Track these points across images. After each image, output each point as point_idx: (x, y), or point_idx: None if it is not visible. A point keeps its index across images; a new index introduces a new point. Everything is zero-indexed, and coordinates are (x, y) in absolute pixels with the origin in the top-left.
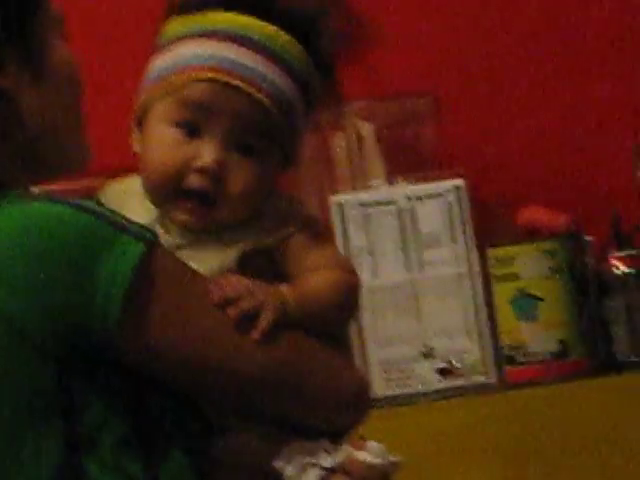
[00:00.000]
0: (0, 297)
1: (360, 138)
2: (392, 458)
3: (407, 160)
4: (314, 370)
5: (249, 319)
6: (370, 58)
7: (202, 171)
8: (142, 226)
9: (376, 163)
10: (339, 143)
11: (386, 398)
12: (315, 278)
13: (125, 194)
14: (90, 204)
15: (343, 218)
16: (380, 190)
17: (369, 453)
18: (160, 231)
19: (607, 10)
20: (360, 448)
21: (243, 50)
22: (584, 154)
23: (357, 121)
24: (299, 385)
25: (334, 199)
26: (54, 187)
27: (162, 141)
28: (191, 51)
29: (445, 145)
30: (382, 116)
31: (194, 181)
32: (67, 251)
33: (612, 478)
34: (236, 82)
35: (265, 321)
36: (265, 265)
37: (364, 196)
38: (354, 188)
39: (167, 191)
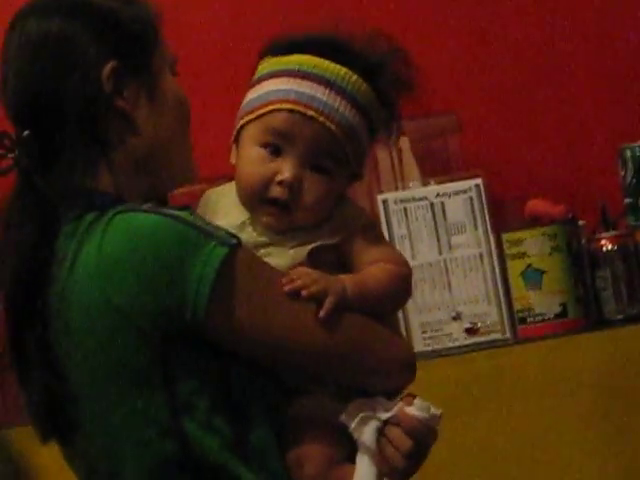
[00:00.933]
0: (110, 292)
1: (399, 149)
2: (435, 412)
3: (436, 166)
4: (370, 343)
5: (316, 303)
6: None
7: (282, 184)
8: (228, 232)
9: (412, 168)
10: (383, 154)
11: (423, 353)
12: (372, 270)
13: (223, 198)
14: (184, 214)
15: (387, 212)
16: (416, 189)
17: (416, 408)
18: (249, 229)
19: (591, 24)
20: (409, 404)
21: (318, 87)
22: (577, 155)
23: (396, 136)
24: (358, 356)
25: (380, 197)
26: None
27: (251, 158)
28: (276, 87)
29: (466, 153)
30: (416, 131)
31: (276, 192)
32: (165, 256)
33: (607, 412)
34: (310, 113)
35: (329, 304)
36: (333, 260)
37: (403, 194)
38: (395, 188)
39: (255, 198)
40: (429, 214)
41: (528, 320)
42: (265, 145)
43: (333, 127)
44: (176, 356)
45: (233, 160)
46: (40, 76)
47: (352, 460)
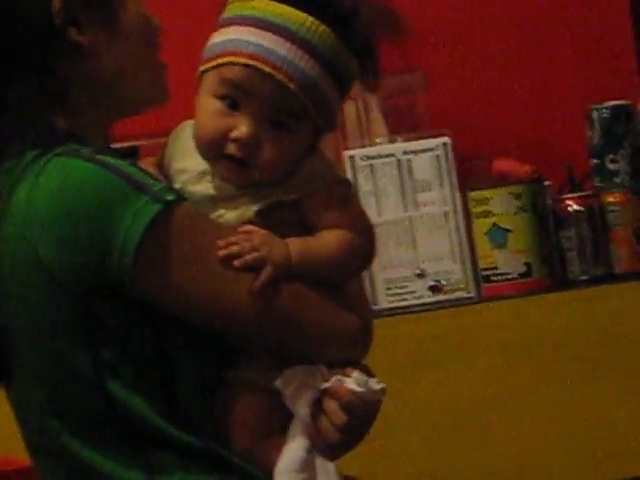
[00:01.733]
0: (37, 243)
1: (367, 106)
2: (375, 386)
3: (404, 123)
4: (308, 316)
5: (252, 271)
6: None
7: (237, 141)
8: (168, 187)
9: (379, 125)
10: (350, 110)
11: (388, 309)
12: (326, 236)
13: (191, 138)
14: (122, 164)
15: (353, 168)
16: (383, 146)
17: (353, 382)
18: (208, 179)
19: None
20: (348, 376)
21: (279, 39)
22: (545, 116)
23: (363, 92)
24: (293, 328)
25: (347, 153)
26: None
27: (208, 110)
28: (237, 35)
29: (434, 111)
30: (384, 88)
31: (232, 149)
32: (91, 207)
33: (568, 370)
34: (268, 69)
35: (265, 274)
36: (294, 219)
37: (370, 151)
38: (362, 145)
39: (210, 153)
40: (396, 171)
41: (492, 279)
42: (222, 97)
43: (292, 85)
44: (103, 315)
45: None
46: None
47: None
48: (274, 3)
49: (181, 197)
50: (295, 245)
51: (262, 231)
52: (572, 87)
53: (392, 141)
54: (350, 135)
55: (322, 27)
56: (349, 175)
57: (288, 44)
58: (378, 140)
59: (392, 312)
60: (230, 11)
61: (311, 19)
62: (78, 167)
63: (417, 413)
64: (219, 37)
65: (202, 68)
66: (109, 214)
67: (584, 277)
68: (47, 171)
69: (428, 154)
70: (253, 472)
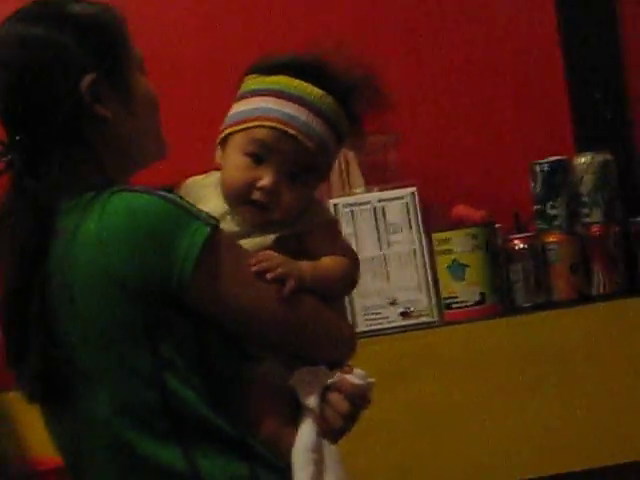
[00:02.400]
0: (107, 261)
1: (346, 162)
2: (370, 380)
3: (378, 176)
4: (321, 321)
5: (279, 283)
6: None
7: (262, 189)
8: (209, 215)
9: (357, 178)
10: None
11: (365, 332)
12: (327, 260)
13: (205, 187)
14: (173, 196)
15: (336, 214)
16: (360, 195)
17: (355, 376)
18: (228, 219)
19: (510, 58)
20: (348, 373)
21: (298, 107)
22: (495, 170)
23: (344, 150)
24: (311, 330)
25: (331, 201)
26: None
27: (237, 164)
28: (262, 104)
29: (403, 166)
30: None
31: (257, 195)
32: (156, 230)
33: (516, 383)
34: (291, 131)
35: (290, 285)
36: (296, 248)
37: (350, 199)
38: (344, 194)
39: (238, 199)
40: (371, 216)
41: (453, 306)
42: (249, 154)
43: (310, 144)
44: (162, 319)
45: (218, 159)
46: (26, 85)
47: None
48: (289, 78)
49: (218, 222)
50: (306, 266)
51: (280, 255)
52: (517, 146)
53: (368, 191)
54: (334, 186)
55: (329, 98)
56: None
57: (306, 112)
58: (357, 190)
59: (369, 334)
60: (252, 85)
61: (321, 92)
62: (139, 198)
63: (390, 417)
64: (245, 106)
65: (230, 130)
66: (170, 235)
67: (528, 304)
68: (111, 203)
69: (399, 202)
70: (273, 461)
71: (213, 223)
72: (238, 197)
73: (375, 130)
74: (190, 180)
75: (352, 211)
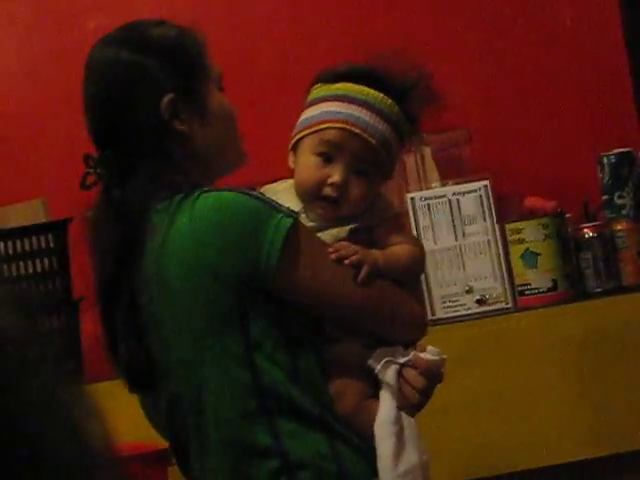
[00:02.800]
0: (201, 252)
1: (422, 157)
2: (443, 356)
3: (452, 170)
4: (394, 302)
5: (355, 269)
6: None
7: (333, 185)
8: (289, 209)
9: (433, 173)
10: (410, 161)
11: (443, 319)
12: (397, 249)
13: (278, 192)
14: (256, 193)
15: (414, 207)
16: (436, 189)
17: (430, 353)
18: (303, 217)
19: (578, 58)
20: (423, 351)
21: (362, 109)
22: (566, 162)
23: (420, 146)
24: (385, 311)
25: (408, 196)
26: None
27: (308, 164)
28: (329, 108)
29: (476, 160)
30: (436, 142)
31: (328, 191)
32: (244, 224)
33: (588, 366)
34: (357, 130)
35: (365, 270)
36: (367, 239)
37: (426, 193)
38: (420, 189)
39: (310, 196)
40: (447, 209)
41: (526, 293)
42: (320, 154)
43: (374, 141)
44: (250, 303)
45: (291, 164)
46: (113, 104)
47: (377, 397)
48: (352, 84)
49: (297, 214)
50: (378, 253)
51: (355, 244)
52: (586, 139)
53: (444, 185)
54: (410, 181)
55: (389, 100)
56: (410, 213)
57: (369, 113)
58: (433, 185)
59: (446, 321)
60: (318, 93)
61: (382, 95)
62: (227, 196)
63: (467, 399)
64: (313, 112)
65: (300, 135)
66: (256, 227)
67: (598, 290)
68: (202, 200)
69: (472, 194)
70: (350, 436)
71: (294, 215)
72: (311, 194)
73: (449, 126)
74: (264, 187)
75: (429, 204)
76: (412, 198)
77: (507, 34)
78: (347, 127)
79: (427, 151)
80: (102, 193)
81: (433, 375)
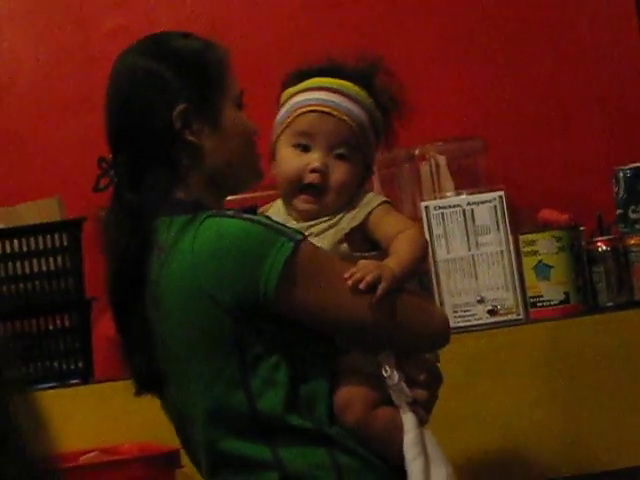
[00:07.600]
0: (201, 279)
1: (437, 166)
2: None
3: (467, 180)
4: (414, 316)
5: (372, 288)
6: (438, 113)
7: (314, 170)
8: (295, 230)
9: (448, 182)
10: (425, 170)
11: (455, 328)
12: (400, 245)
13: (271, 214)
14: (259, 217)
15: (428, 216)
16: (450, 199)
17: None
18: (289, 219)
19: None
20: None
21: (331, 94)
22: (580, 175)
23: (435, 155)
24: (404, 327)
25: (422, 204)
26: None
27: (286, 157)
28: (298, 99)
29: (491, 170)
30: (451, 151)
31: (310, 177)
32: (246, 252)
33: (600, 377)
34: (327, 110)
35: (382, 290)
36: (362, 237)
37: (441, 202)
38: (434, 197)
39: (293, 187)
40: (461, 218)
41: (538, 305)
42: (296, 145)
43: (347, 119)
44: (249, 328)
45: (274, 171)
46: (130, 109)
47: (388, 403)
48: (318, 78)
49: (305, 236)
50: (391, 262)
51: (369, 261)
52: (601, 152)
53: (458, 194)
54: (425, 190)
55: (356, 87)
56: (424, 221)
57: (340, 97)
58: (447, 194)
59: (458, 330)
60: (286, 95)
61: (346, 81)
62: (229, 222)
63: (477, 411)
64: (283, 109)
65: (276, 135)
66: (257, 253)
67: (610, 304)
68: (205, 225)
69: (487, 205)
70: (353, 446)
71: (297, 238)
72: (293, 185)
73: (464, 135)
74: (266, 206)
75: (442, 213)
76: (426, 207)
77: (526, 47)
78: (317, 108)
79: (442, 160)
80: (114, 196)
81: (432, 367)
